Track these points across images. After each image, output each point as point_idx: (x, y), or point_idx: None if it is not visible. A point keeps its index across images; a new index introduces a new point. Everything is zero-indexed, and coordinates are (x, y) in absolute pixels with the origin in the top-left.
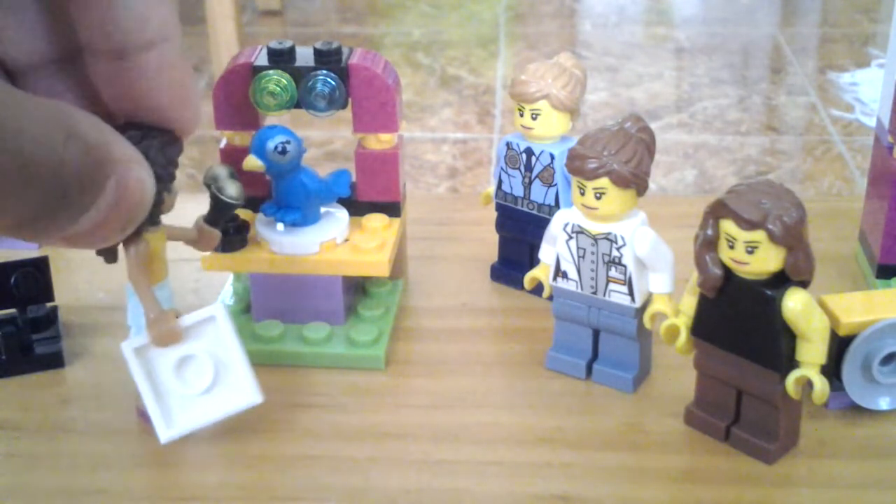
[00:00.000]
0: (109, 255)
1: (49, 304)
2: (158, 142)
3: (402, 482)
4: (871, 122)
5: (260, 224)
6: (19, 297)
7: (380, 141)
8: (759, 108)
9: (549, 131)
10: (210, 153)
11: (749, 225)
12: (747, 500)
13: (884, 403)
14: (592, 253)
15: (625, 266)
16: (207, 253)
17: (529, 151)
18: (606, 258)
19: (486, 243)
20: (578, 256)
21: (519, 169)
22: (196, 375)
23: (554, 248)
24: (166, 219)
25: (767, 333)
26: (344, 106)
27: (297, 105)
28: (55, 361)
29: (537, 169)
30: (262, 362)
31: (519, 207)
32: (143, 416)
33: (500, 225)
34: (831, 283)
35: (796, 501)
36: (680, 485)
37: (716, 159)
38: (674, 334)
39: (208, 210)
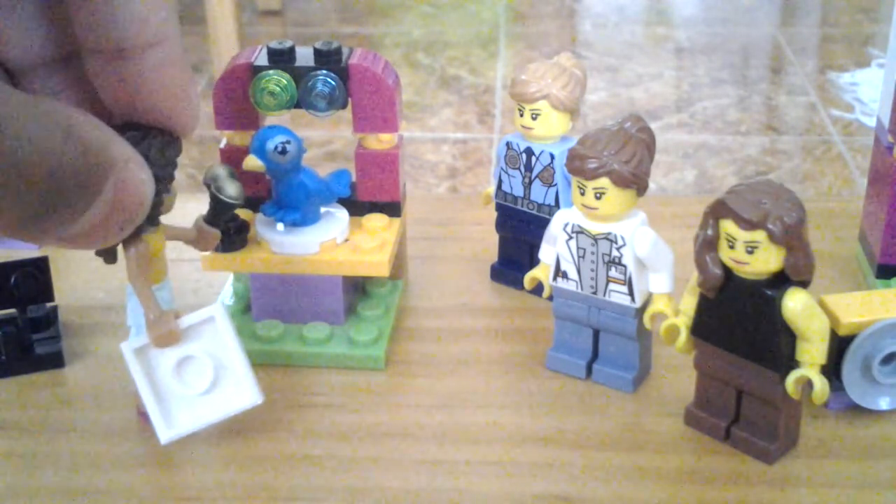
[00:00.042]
0: (109, 256)
1: (49, 304)
2: (158, 142)
3: (402, 482)
4: (871, 122)
5: (260, 224)
6: (19, 297)
7: (380, 141)
8: (759, 108)
9: (549, 131)
10: (210, 153)
11: (749, 225)
12: (747, 500)
13: (884, 403)
14: (592, 253)
15: (625, 266)
16: (207, 253)
17: (529, 151)
18: (606, 258)
19: (486, 243)
20: (578, 256)
21: (519, 169)
22: (196, 376)
23: (554, 248)
24: (166, 219)
25: (767, 333)
26: (344, 106)
27: (297, 105)
28: (55, 361)
29: (537, 169)
30: (262, 362)
31: (519, 207)
32: (144, 416)
33: (500, 225)
34: (831, 283)
35: (796, 501)
36: (680, 485)
37: (716, 159)
38: (674, 334)
39: (208, 210)
